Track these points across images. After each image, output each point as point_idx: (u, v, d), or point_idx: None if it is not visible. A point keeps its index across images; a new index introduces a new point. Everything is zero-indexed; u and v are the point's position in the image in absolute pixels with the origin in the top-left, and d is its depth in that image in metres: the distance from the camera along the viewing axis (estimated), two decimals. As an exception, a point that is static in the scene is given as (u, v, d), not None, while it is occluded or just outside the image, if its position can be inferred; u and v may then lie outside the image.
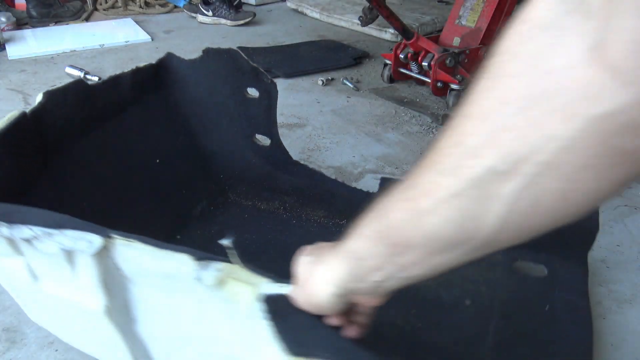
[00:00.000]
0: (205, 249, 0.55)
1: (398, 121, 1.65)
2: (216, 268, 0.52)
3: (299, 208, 1.11)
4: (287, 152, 1.13)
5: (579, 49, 0.30)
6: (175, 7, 2.90)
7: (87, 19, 2.67)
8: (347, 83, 1.89)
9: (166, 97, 1.12)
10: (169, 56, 1.10)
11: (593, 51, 0.29)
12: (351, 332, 0.53)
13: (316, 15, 2.81)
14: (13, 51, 2.17)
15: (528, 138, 0.32)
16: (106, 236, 0.55)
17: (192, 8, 2.74)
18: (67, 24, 2.57)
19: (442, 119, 1.62)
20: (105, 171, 1.02)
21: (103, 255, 0.57)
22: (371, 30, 2.43)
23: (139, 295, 0.63)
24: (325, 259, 0.48)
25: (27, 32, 2.40)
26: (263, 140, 1.13)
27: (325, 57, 2.14)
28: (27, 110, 0.86)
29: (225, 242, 0.55)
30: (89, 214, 0.91)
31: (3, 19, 2.38)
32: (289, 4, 2.98)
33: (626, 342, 0.90)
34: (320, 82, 1.89)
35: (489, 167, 0.34)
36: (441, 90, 1.78)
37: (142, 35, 2.41)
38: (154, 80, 1.09)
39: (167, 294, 0.60)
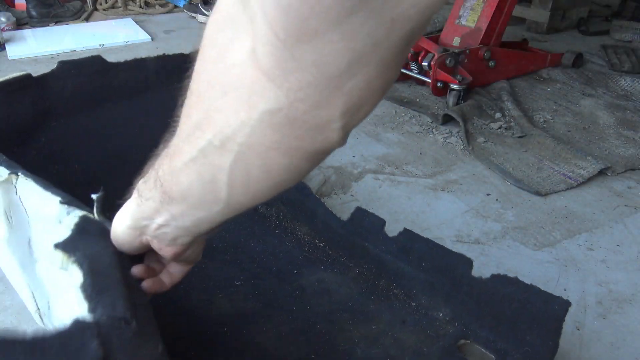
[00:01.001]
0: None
1: (398, 121, 1.65)
2: (77, 214, 0.56)
3: (290, 220, 1.10)
4: None
5: (245, 49, 0.33)
6: (175, 7, 2.90)
7: (87, 19, 2.67)
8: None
9: None
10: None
11: (252, 54, 0.32)
12: (149, 284, 0.56)
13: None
14: (13, 51, 2.17)
15: (230, 120, 0.35)
16: (12, 171, 0.62)
17: (192, 8, 2.74)
18: (67, 24, 2.57)
19: (442, 119, 1.61)
20: (106, 144, 1.06)
21: (9, 189, 0.63)
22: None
23: (36, 235, 0.64)
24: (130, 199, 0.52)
25: (27, 32, 2.40)
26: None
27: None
28: (33, 75, 0.95)
29: (94, 196, 0.58)
30: (79, 175, 1.00)
31: (3, 19, 2.38)
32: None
33: (626, 342, 0.90)
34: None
35: (209, 141, 0.38)
36: (441, 90, 1.78)
37: (142, 35, 2.41)
38: (182, 70, 1.10)
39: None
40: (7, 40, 2.27)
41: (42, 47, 2.22)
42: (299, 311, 0.88)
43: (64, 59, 1.02)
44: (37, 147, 0.97)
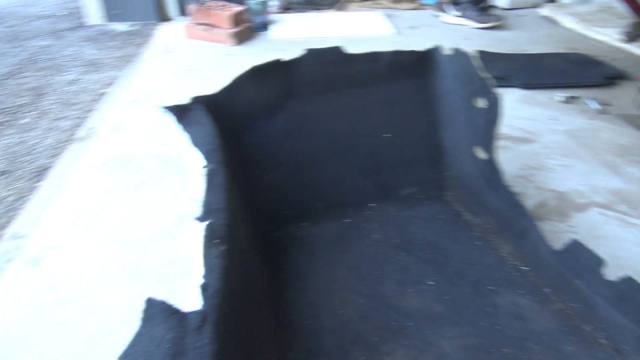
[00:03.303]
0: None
1: (645, 155, 1.45)
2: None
3: (495, 235, 1.06)
4: (500, 173, 1.05)
5: None
6: (423, 4, 2.96)
7: (340, 9, 2.88)
8: (592, 104, 1.73)
9: (424, 84, 1.19)
10: (437, 48, 1.15)
11: None
12: None
13: (571, 25, 2.60)
14: (275, 32, 2.46)
15: None
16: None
17: (439, 6, 2.76)
18: (323, 12, 2.81)
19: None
20: (333, 128, 1.16)
21: None
22: (636, 48, 2.16)
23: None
24: None
25: (289, 17, 2.70)
26: (481, 152, 1.10)
27: (571, 71, 1.97)
28: (282, 60, 1.09)
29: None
30: (305, 153, 1.14)
31: (275, 2, 2.71)
32: (542, 10, 2.81)
33: None
34: (560, 99, 1.76)
35: None
36: None
37: (387, 30, 2.52)
38: (416, 66, 1.16)
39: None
40: (272, 22, 2.58)
41: (299, 31, 2.47)
42: (488, 328, 0.86)
43: (313, 45, 1.13)
44: (276, 122, 1.11)
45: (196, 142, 0.90)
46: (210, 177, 0.84)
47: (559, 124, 1.61)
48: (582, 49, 2.25)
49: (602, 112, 1.68)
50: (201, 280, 0.67)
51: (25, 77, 2.13)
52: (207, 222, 0.74)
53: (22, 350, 0.88)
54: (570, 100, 1.76)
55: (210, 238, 0.73)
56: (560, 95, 1.77)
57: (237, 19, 2.34)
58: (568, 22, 2.63)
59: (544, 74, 1.95)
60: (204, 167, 0.85)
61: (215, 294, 0.66)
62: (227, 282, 0.70)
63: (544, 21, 2.75)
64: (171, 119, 0.96)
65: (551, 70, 1.99)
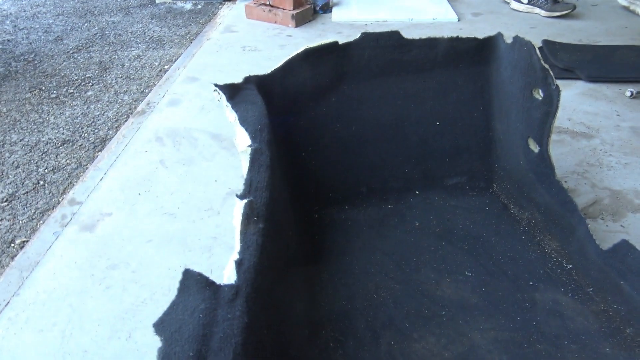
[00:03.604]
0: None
1: None
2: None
3: (541, 230, 1.03)
4: (552, 167, 1.03)
5: None
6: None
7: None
8: (663, 100, 1.63)
9: (481, 73, 1.16)
10: (498, 35, 1.12)
11: None
12: None
13: (649, 17, 2.44)
14: (337, 15, 2.45)
15: None
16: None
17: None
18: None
19: None
20: (384, 112, 1.16)
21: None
22: None
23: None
24: None
25: (352, 0, 2.68)
26: (534, 145, 1.07)
27: (644, 66, 1.86)
28: (340, 42, 1.09)
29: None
30: (351, 139, 1.14)
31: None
32: (620, 0, 2.66)
33: None
34: (628, 93, 1.67)
35: None
36: None
37: (450, 15, 2.46)
38: (474, 54, 1.14)
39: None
40: (335, 4, 2.57)
41: (361, 14, 2.46)
42: (524, 323, 0.85)
43: (374, 28, 1.12)
44: (326, 105, 1.11)
45: (244, 121, 0.93)
46: (255, 156, 0.86)
47: (624, 120, 1.53)
48: (659, 42, 2.12)
49: (673, 110, 1.58)
50: (237, 256, 0.70)
51: (93, 51, 2.23)
52: (247, 200, 0.76)
53: (71, 309, 0.94)
54: (639, 95, 1.66)
55: (249, 215, 0.75)
56: (629, 89, 1.68)
57: (299, 1, 2.35)
58: (646, 12, 2.47)
59: (613, 66, 1.85)
60: (250, 145, 0.88)
61: (249, 269, 0.68)
62: (263, 259, 0.72)
63: (621, 11, 2.60)
64: (222, 97, 0.99)
65: (621, 63, 1.89)
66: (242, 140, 0.90)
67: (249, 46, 2.11)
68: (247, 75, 1.04)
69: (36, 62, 2.12)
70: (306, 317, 0.85)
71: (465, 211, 1.11)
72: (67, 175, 1.37)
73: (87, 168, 1.39)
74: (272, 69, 1.06)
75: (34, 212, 1.25)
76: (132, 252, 1.05)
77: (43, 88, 1.88)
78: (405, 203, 1.13)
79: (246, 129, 0.91)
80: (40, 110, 1.72)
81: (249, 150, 0.87)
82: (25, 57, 2.16)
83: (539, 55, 1.00)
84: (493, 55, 1.14)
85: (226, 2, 2.83)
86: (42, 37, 2.39)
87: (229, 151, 1.36)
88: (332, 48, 1.09)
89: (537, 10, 2.51)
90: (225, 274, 0.68)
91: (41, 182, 1.35)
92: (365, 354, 0.80)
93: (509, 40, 1.09)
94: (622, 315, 0.83)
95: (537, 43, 2.04)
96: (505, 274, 0.94)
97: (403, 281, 0.93)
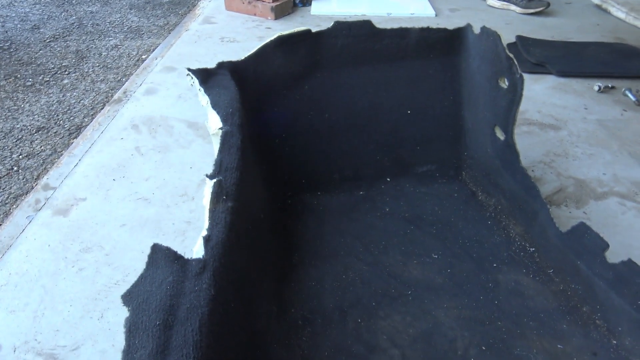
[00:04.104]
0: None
1: (678, 149, 1.41)
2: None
3: (506, 216, 1.06)
4: (517, 154, 1.06)
5: None
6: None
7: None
8: (630, 95, 1.68)
9: (451, 63, 1.19)
10: (468, 27, 1.15)
11: None
12: None
13: (622, 15, 2.51)
14: (316, 8, 2.47)
15: None
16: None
17: (485, -10, 2.70)
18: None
19: None
20: (356, 101, 1.18)
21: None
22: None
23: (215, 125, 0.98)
24: None
25: (331, -7, 2.70)
26: (500, 133, 1.10)
27: (613, 62, 1.91)
28: (310, 30, 1.11)
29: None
30: (324, 124, 1.17)
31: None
32: (592, -2, 2.72)
33: None
34: (596, 88, 1.72)
35: None
36: None
37: (428, 10, 2.50)
38: (444, 44, 1.17)
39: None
40: (314, -2, 2.59)
41: (340, 8, 2.48)
42: (486, 302, 0.88)
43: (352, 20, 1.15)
44: (300, 92, 1.13)
45: (216, 105, 0.94)
46: (226, 137, 0.87)
47: (591, 113, 1.57)
48: (630, 40, 2.18)
49: (639, 104, 1.63)
50: (205, 232, 0.72)
51: (70, 40, 2.22)
52: (217, 179, 0.78)
53: (44, 290, 0.94)
54: (606, 90, 1.71)
55: (218, 194, 0.77)
56: (596, 84, 1.73)
57: (277, -7, 2.36)
58: (618, 12, 2.54)
59: (583, 62, 1.90)
60: (221, 128, 0.89)
61: (217, 245, 0.70)
62: (231, 236, 0.74)
63: (594, 9, 2.66)
64: (195, 81, 1.00)
65: (591, 59, 1.94)
66: (214, 123, 0.91)
67: (227, 37, 2.12)
68: (221, 61, 1.05)
69: (12, 50, 2.10)
70: (276, 296, 0.87)
71: (434, 198, 1.14)
72: (41, 162, 1.37)
73: (61, 154, 1.39)
74: (245, 56, 1.07)
75: (7, 197, 1.25)
76: (106, 235, 1.06)
77: (18, 76, 1.87)
78: (377, 190, 1.16)
79: (218, 112, 0.92)
80: (15, 98, 1.71)
81: (219, 132, 0.89)
82: (1, 45, 2.14)
83: (504, 45, 1.03)
84: (462, 46, 1.17)
85: (206, -6, 2.82)
86: (19, 25, 2.37)
87: (205, 139, 1.37)
88: (304, 36, 1.11)
89: (512, 7, 2.56)
90: (194, 250, 0.70)
91: (15, 168, 1.35)
92: (333, 331, 0.82)
93: (477, 31, 1.12)
94: (579, 295, 0.87)
95: (512, 39, 2.09)
96: (471, 257, 0.98)
97: (371, 263, 0.95)
